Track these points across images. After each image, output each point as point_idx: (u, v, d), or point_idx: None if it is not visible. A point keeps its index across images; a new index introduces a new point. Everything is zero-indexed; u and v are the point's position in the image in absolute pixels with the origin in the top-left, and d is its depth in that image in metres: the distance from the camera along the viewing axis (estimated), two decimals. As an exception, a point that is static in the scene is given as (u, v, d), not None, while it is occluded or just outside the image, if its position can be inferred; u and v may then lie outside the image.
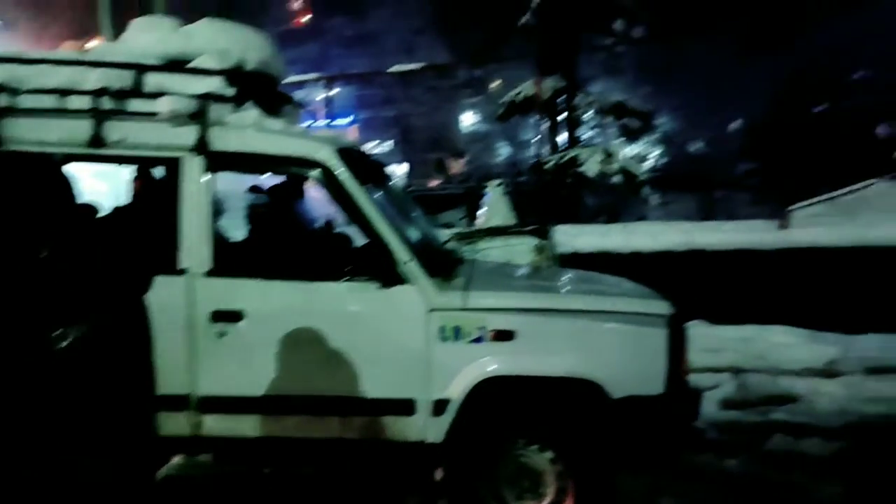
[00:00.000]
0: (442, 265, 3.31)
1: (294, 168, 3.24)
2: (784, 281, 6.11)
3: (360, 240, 3.27)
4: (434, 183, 30.25)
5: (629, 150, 21.27)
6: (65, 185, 2.26)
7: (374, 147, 37.04)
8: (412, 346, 2.99)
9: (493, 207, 16.41)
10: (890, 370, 5.25)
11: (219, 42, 3.29)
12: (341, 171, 3.07)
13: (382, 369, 3.01)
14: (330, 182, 3.11)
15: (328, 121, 31.08)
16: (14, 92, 3.09)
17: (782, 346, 5.70)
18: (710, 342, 6.05)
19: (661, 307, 3.18)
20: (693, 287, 6.48)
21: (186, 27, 3.37)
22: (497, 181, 18.12)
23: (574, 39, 14.16)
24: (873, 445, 4.17)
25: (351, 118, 36.09)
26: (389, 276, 2.99)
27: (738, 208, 17.87)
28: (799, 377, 5.30)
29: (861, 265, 5.87)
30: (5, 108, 3.07)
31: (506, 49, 19.11)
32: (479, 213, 17.13)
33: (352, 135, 36.89)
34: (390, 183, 3.99)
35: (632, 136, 17.06)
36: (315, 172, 3.13)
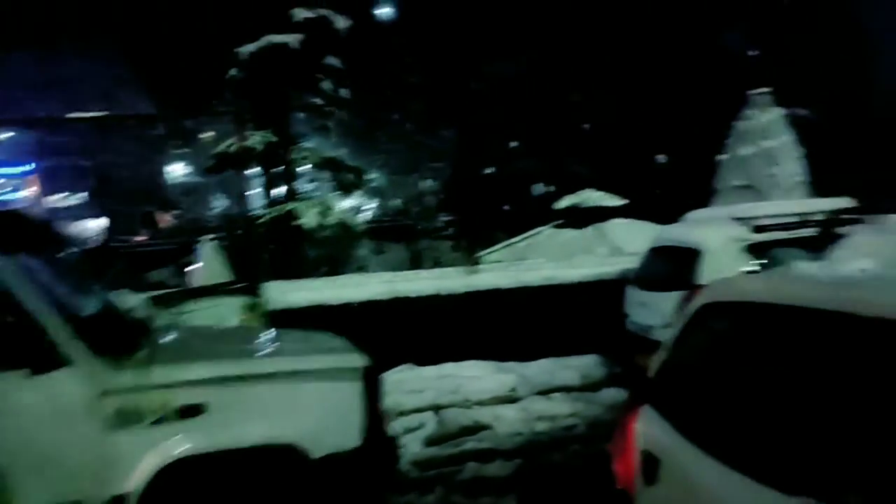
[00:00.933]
0: (118, 340, 2.94)
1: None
2: (474, 320, 6.85)
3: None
4: (141, 238, 27.53)
5: (345, 204, 22.03)
6: None
7: (62, 199, 32.35)
8: (78, 439, 2.61)
9: (207, 264, 15.48)
10: (555, 390, 6.18)
11: None
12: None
13: (42, 472, 2.56)
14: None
15: (-3, 168, 26.20)
16: None
17: (474, 379, 6.34)
18: (415, 384, 6.46)
19: (355, 360, 3.26)
20: (399, 333, 6.92)
21: None
22: (210, 236, 17.17)
23: (284, 96, 14.33)
24: (541, 459, 4.82)
25: (30, 166, 31.00)
26: (44, 360, 2.58)
27: (442, 255, 19.66)
28: (487, 406, 5.93)
29: (529, 302, 6.90)
30: None
31: (218, 101, 18.58)
32: (190, 269, 15.98)
33: (33, 186, 31.76)
34: (58, 245, 3.47)
35: (346, 190, 17.73)
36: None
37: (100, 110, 30.31)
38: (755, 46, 24.91)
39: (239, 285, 7.62)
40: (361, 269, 18.72)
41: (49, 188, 31.14)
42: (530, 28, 26.36)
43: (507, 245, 14.46)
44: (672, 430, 2.05)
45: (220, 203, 29.10)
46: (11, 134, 29.46)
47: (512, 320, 6.90)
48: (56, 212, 30.22)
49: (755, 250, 4.85)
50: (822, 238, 2.35)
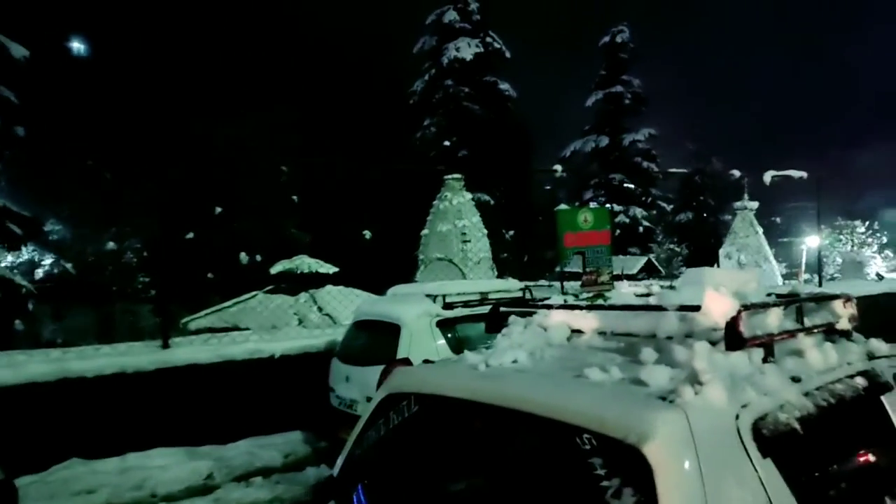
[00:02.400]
0: None
1: None
2: (164, 400, 6.11)
3: None
4: None
5: (12, 259, 18.65)
6: None
7: None
8: None
9: None
10: (255, 473, 5.78)
11: None
12: None
13: None
14: None
15: None
16: None
17: (162, 468, 5.61)
18: (86, 482, 5.46)
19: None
20: (67, 420, 5.82)
21: None
22: None
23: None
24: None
25: None
26: None
27: (141, 320, 17.64)
28: (177, 501, 5.26)
29: (232, 377, 6.43)
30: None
31: None
32: None
33: None
34: None
35: (16, 243, 15.02)
36: None
37: None
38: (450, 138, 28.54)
39: None
40: (36, 335, 16.07)
41: None
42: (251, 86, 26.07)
43: (217, 310, 13.58)
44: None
45: None
46: None
47: (211, 398, 6.33)
48: None
49: (444, 325, 5.26)
50: (493, 319, 2.61)
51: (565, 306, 2.47)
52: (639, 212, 34.06)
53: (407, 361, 4.05)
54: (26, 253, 19.71)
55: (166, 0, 35.40)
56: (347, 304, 10.66)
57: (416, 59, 30.82)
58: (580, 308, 2.41)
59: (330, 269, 14.21)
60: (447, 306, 4.81)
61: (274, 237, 19.65)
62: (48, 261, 20.94)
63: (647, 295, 2.48)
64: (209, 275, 17.20)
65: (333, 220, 22.21)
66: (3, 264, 13.37)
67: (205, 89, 23.69)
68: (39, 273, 20.24)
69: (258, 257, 16.65)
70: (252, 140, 19.91)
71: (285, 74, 31.85)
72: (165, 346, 6.35)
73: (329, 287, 12.82)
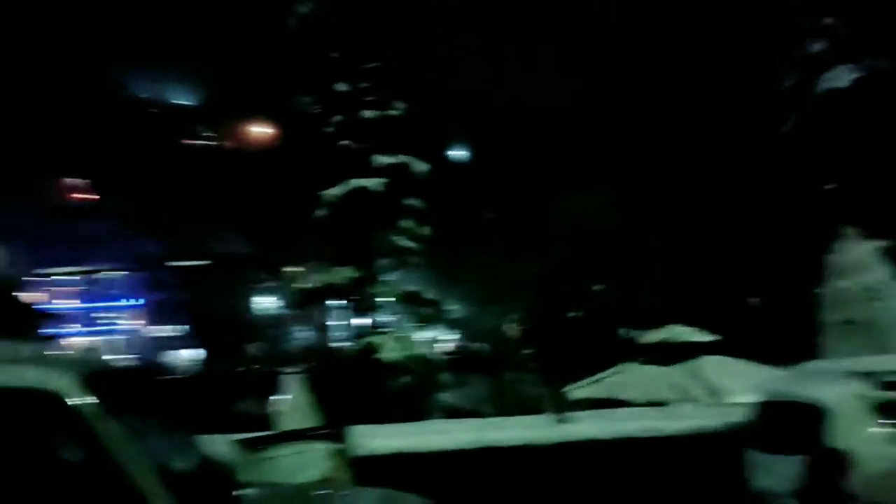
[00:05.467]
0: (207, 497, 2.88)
1: (24, 401, 2.71)
2: (564, 475, 6.33)
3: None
4: (231, 367, 28.43)
5: (424, 336, 22.07)
6: None
7: (165, 331, 34.34)
8: None
9: (294, 397, 15.59)
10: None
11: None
12: (82, 404, 2.63)
13: None
14: (67, 416, 2.63)
15: (112, 303, 28.43)
16: None
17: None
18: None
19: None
20: (487, 486, 6.48)
21: None
22: (295, 368, 17.44)
23: (366, 234, 14.92)
24: None
25: (138, 301, 33.50)
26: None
27: (527, 388, 18.93)
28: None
29: (627, 455, 6.31)
30: None
31: (303, 238, 19.61)
32: (275, 399, 16.13)
33: (137, 319, 34.05)
34: (158, 403, 3.53)
35: (425, 322, 17.81)
36: (50, 405, 2.64)
37: (197, 248, 32.95)
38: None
39: (322, 431, 7.48)
40: (445, 402, 18.22)
41: (153, 320, 33.34)
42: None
43: (594, 381, 13.83)
44: None
45: (304, 334, 29.95)
46: (126, 273, 32.12)
47: (609, 476, 6.34)
48: (158, 342, 32.20)
49: (887, 409, 4.33)
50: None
51: None
52: None
53: (836, 452, 3.45)
54: (433, 331, 23.15)
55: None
56: (734, 378, 9.73)
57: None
58: None
59: (706, 337, 13.30)
60: (889, 386, 3.97)
61: (643, 306, 19.46)
62: (449, 337, 24.44)
63: None
64: (582, 344, 17.80)
65: (705, 285, 21.00)
66: (420, 341, 15.82)
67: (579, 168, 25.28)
68: (445, 348, 23.68)
69: (628, 328, 16.64)
70: (615, 212, 20.44)
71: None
72: (563, 419, 6.65)
73: (709, 357, 11.96)
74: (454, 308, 24.50)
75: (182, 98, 47.29)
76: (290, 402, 14.48)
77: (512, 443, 6.30)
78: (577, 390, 14.09)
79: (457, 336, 25.48)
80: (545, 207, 21.70)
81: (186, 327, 34.18)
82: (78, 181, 40.21)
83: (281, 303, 31.14)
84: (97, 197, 40.47)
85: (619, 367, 13.68)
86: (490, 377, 20.98)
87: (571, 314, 18.57)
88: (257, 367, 23.83)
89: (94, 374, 2.90)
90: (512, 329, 23.84)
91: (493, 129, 33.58)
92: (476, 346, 24.40)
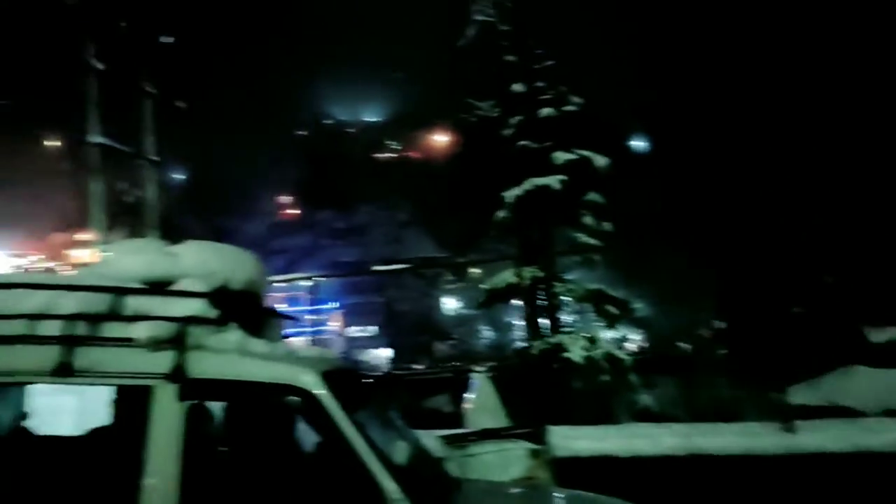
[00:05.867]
0: (435, 495, 3.00)
1: (275, 394, 3.03)
2: (791, 491, 5.71)
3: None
4: (420, 366, 30.02)
5: (610, 335, 21.35)
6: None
7: (358, 331, 37.42)
8: None
9: (480, 396, 16.00)
10: None
11: (204, 263, 3.26)
12: (325, 398, 2.88)
13: None
14: (313, 409, 2.89)
15: (314, 307, 31.62)
16: (-15, 317, 2.94)
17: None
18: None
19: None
20: (700, 497, 6.06)
21: (173, 248, 3.36)
22: (483, 367, 17.86)
23: (548, 233, 14.84)
24: None
25: (337, 304, 36.86)
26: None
27: (721, 392, 17.59)
28: None
29: (866, 473, 5.52)
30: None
31: (486, 239, 20.02)
32: (465, 396, 16.68)
33: (336, 321, 37.44)
34: (381, 399, 3.78)
35: (611, 321, 17.27)
36: (297, 398, 2.93)
37: (390, 252, 35.39)
38: None
39: (522, 431, 7.55)
40: (633, 404, 17.68)
41: (348, 322, 36.62)
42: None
43: (810, 385, 12.40)
44: None
45: (488, 334, 30.66)
46: (322, 278, 35.41)
47: (846, 496, 5.59)
48: (353, 342, 35.29)
49: None
50: None
51: None
52: None
53: None
54: (618, 331, 22.43)
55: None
56: None
57: None
58: None
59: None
60: None
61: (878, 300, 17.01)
62: (635, 337, 23.50)
63: None
64: (799, 344, 16.05)
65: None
66: (605, 341, 15.35)
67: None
68: (630, 348, 22.84)
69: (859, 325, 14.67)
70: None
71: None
72: (788, 428, 6.01)
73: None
74: (640, 306, 23.54)
75: (371, 115, 51.46)
76: (478, 401, 14.86)
77: (728, 451, 5.82)
78: (790, 396, 12.73)
79: (643, 335, 24.43)
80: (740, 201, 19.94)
81: (377, 328, 36.76)
82: (288, 198, 45.72)
83: (466, 303, 32.20)
84: (300, 212, 45.54)
85: (843, 370, 12.11)
86: (681, 379, 19.76)
87: (796, 310, 16.71)
88: (446, 365, 24.79)
89: (331, 370, 3.16)
90: (706, 328, 22.28)
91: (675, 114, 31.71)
92: (665, 345, 23.18)
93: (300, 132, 49.08)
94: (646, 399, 20.49)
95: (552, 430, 6.94)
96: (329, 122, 50.73)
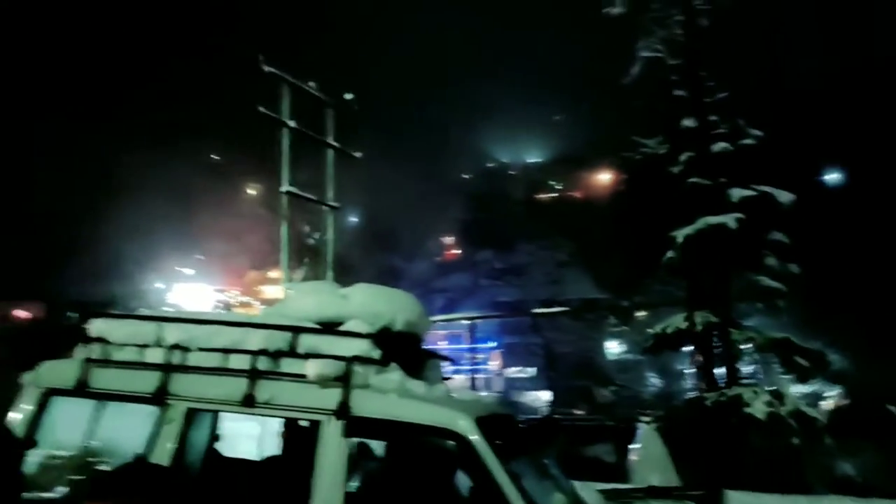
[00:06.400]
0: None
1: (432, 437, 3.09)
2: None
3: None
4: (580, 411, 28.98)
5: (798, 390, 19.23)
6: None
7: (517, 372, 37.22)
8: None
9: (647, 448, 15.07)
10: None
11: (370, 305, 3.44)
12: (479, 444, 2.87)
13: None
14: (467, 453, 2.90)
15: (473, 345, 32.10)
16: (186, 350, 3.33)
17: None
18: None
19: None
20: None
21: (344, 290, 3.60)
22: (649, 418, 16.88)
23: (723, 275, 13.86)
24: None
25: (495, 344, 37.03)
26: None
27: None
28: None
29: None
30: (176, 366, 3.29)
31: (650, 281, 19.08)
32: (630, 448, 15.82)
33: (495, 360, 37.58)
34: (538, 446, 3.70)
35: (802, 375, 15.54)
36: (452, 442, 2.96)
37: (548, 292, 35.01)
38: None
39: (694, 493, 6.91)
40: (829, 471, 15.77)
41: (507, 362, 36.60)
42: None
43: None
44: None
45: (655, 381, 28.96)
46: (486, 318, 35.87)
47: None
48: (512, 383, 35.13)
49: None
50: None
51: None
52: None
53: None
54: (809, 386, 20.14)
55: None
56: None
57: None
58: None
59: None
60: None
61: None
62: (830, 393, 20.84)
63: None
64: None
65: None
66: (794, 396, 13.83)
67: None
68: (825, 406, 20.30)
69: None
70: None
71: None
72: None
73: None
74: (835, 357, 20.91)
75: (533, 156, 52.25)
76: (644, 453, 13.94)
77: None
78: None
79: (841, 392, 21.59)
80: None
81: (534, 369, 36.24)
82: (450, 239, 47.49)
83: (631, 348, 30.80)
84: (461, 252, 46.91)
85: None
86: (891, 444, 17.13)
87: None
88: (609, 413, 23.71)
89: (487, 416, 3.15)
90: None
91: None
92: (870, 404, 20.27)
93: (464, 175, 51.03)
94: (845, 466, 18.03)
95: (729, 495, 6.28)
96: (492, 164, 52.28)
